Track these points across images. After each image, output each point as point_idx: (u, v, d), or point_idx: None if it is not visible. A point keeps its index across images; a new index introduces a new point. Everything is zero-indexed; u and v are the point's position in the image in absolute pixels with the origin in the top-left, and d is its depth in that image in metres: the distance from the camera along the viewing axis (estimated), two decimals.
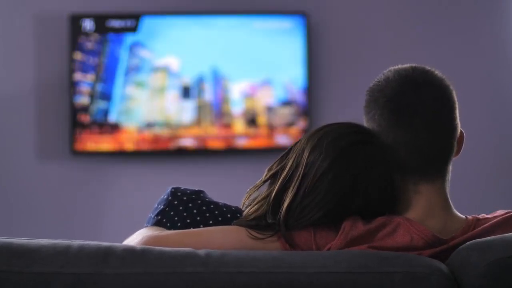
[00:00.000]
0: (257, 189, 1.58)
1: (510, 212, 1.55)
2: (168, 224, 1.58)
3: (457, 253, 1.39)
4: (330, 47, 4.17)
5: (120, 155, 4.12)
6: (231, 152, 4.17)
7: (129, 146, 4.12)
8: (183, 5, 4.13)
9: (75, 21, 4.04)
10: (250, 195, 1.58)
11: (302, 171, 1.50)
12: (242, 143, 4.18)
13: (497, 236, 1.42)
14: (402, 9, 4.20)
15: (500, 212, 1.56)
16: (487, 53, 4.21)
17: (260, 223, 1.51)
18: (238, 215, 1.58)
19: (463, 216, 1.55)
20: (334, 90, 4.16)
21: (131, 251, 1.34)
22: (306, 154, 1.51)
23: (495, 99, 4.22)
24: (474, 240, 1.41)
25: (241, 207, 1.59)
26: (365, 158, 1.49)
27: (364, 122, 1.58)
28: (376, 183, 1.49)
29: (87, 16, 4.05)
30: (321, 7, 4.16)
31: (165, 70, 4.15)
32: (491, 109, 4.22)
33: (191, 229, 1.55)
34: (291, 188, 1.51)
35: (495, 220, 1.53)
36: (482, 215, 1.56)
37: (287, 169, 1.53)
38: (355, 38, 4.19)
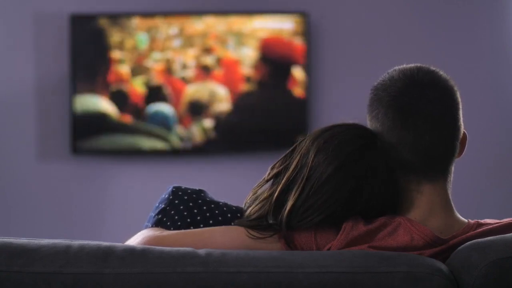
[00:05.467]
0: (260, 187, 1.57)
1: None
2: (169, 223, 1.58)
3: (457, 253, 1.39)
4: (330, 47, 4.17)
5: (120, 155, 4.11)
6: (233, 152, 4.17)
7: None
8: (183, 5, 4.13)
9: (75, 21, 4.03)
10: (254, 193, 1.58)
11: (306, 173, 1.50)
12: None
13: (497, 236, 1.41)
14: (402, 9, 4.19)
15: (505, 220, 1.56)
16: (488, 53, 4.21)
17: (261, 224, 1.51)
18: (239, 214, 1.58)
19: (465, 220, 1.55)
20: (334, 90, 4.16)
21: (131, 251, 1.34)
22: (311, 156, 1.51)
23: (495, 99, 4.22)
24: (474, 240, 1.40)
25: (244, 205, 1.59)
26: (370, 165, 1.49)
27: (367, 120, 1.57)
28: (380, 188, 1.49)
29: (87, 16, 4.05)
30: (322, 7, 4.16)
31: None
32: (491, 109, 4.22)
33: (192, 229, 1.55)
34: (294, 189, 1.50)
35: (498, 224, 1.52)
36: (485, 220, 1.56)
37: (290, 169, 1.53)
38: (355, 38, 4.18)
